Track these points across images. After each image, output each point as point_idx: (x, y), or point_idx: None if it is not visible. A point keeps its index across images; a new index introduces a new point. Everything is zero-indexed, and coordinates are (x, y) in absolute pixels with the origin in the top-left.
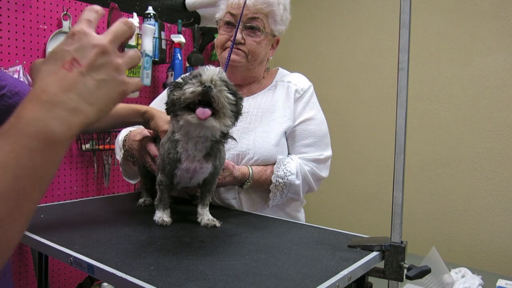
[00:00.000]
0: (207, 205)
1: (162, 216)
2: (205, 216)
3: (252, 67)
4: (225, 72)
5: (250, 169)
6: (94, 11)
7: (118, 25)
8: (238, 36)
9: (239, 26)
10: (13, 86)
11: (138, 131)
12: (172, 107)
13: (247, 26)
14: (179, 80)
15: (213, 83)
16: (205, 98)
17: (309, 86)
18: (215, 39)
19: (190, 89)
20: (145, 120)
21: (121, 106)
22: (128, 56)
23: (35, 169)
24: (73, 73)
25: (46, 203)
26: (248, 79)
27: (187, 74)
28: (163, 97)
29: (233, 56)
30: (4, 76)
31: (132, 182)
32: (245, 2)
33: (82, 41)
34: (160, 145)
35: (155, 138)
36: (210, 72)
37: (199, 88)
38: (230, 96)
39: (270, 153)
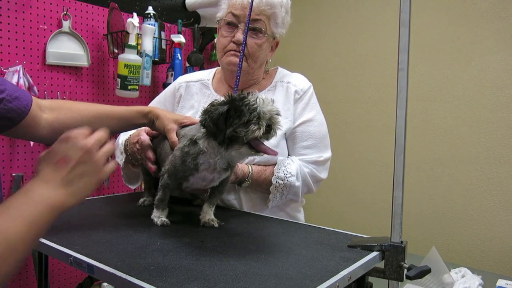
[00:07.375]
0: (213, 204)
1: (160, 216)
2: (207, 215)
3: (252, 71)
4: (238, 79)
5: (250, 168)
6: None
7: (99, 133)
8: (240, 37)
9: (241, 27)
10: (13, 90)
11: (136, 133)
12: (229, 141)
13: (249, 28)
14: (233, 107)
15: (273, 121)
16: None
17: (309, 86)
18: (215, 39)
19: (256, 131)
20: (150, 120)
21: (124, 109)
22: (106, 148)
23: (38, 224)
24: (62, 169)
25: None
26: (248, 82)
27: (235, 95)
28: (161, 98)
29: (234, 59)
30: (3, 81)
31: (132, 187)
32: (252, 3)
33: (71, 144)
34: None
35: (151, 138)
36: (269, 108)
37: (264, 129)
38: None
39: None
